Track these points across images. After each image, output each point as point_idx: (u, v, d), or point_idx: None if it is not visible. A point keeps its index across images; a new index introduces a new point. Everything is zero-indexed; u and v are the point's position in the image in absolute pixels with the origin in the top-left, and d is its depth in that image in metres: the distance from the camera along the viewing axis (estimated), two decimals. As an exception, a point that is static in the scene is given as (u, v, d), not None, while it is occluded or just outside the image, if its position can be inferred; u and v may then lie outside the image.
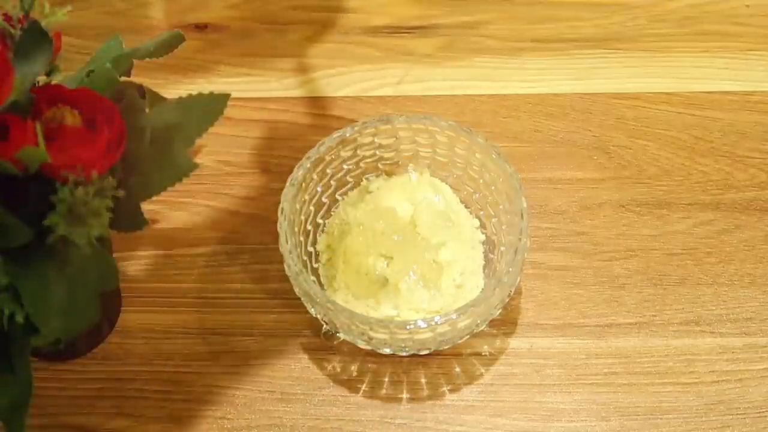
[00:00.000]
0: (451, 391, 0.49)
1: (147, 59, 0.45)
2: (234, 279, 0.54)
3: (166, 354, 0.51)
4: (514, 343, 0.51)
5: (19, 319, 0.36)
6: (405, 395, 0.49)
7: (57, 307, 0.37)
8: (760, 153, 0.59)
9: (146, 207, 0.41)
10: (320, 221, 0.53)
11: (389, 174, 0.55)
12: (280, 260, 0.47)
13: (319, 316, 0.47)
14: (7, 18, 0.40)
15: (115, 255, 0.53)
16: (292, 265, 0.46)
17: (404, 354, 0.49)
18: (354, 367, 0.50)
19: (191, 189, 0.58)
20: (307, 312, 0.48)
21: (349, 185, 0.54)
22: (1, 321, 0.37)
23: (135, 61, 0.45)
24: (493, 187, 0.51)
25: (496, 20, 0.68)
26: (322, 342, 0.51)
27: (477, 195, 0.53)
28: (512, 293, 0.47)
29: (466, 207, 0.54)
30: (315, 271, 0.52)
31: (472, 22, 0.68)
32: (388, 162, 0.55)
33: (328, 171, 0.52)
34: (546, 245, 0.55)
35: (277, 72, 0.65)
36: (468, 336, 0.48)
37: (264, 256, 0.54)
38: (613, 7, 0.69)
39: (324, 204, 0.53)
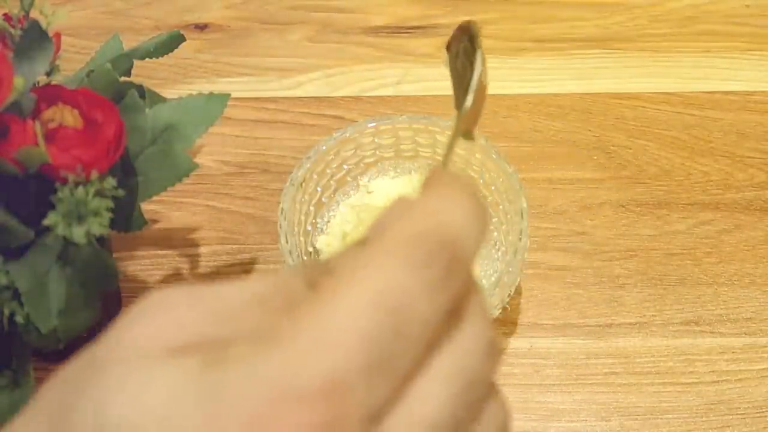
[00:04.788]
0: (451, 391, 0.49)
1: (147, 59, 0.45)
2: (234, 279, 0.54)
3: (166, 354, 0.51)
4: (514, 343, 0.51)
5: (19, 319, 0.36)
6: (405, 395, 0.49)
7: (57, 307, 0.37)
8: (760, 153, 0.59)
9: (146, 207, 0.41)
10: (320, 221, 0.53)
11: (389, 174, 0.55)
12: (280, 260, 0.47)
13: (319, 316, 0.47)
14: (7, 18, 0.40)
15: (115, 255, 0.53)
16: (292, 265, 0.46)
17: (404, 354, 0.49)
18: (354, 367, 0.50)
19: (191, 189, 0.57)
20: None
21: (349, 185, 0.54)
22: (1, 321, 0.37)
23: (135, 61, 0.45)
24: (493, 187, 0.51)
25: (496, 20, 0.68)
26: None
27: (477, 195, 0.53)
28: (512, 293, 0.47)
29: (466, 207, 0.54)
30: (315, 271, 0.52)
31: (472, 22, 0.68)
32: (388, 162, 0.55)
33: (328, 171, 0.52)
34: (546, 245, 0.55)
35: (277, 72, 0.65)
36: (468, 336, 0.47)
37: (264, 256, 0.54)
38: (613, 7, 0.69)
39: (324, 204, 0.53)
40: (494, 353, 0.19)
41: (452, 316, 0.18)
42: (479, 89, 0.23)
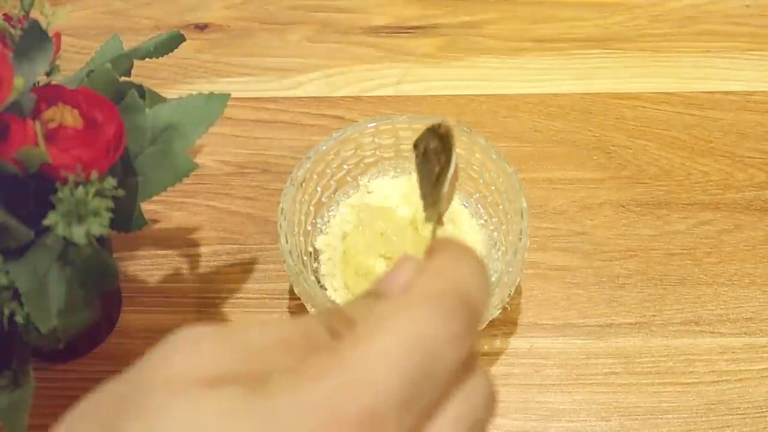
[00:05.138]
0: (451, 391, 0.49)
1: (147, 59, 0.45)
2: (234, 279, 0.54)
3: (166, 354, 0.51)
4: (514, 343, 0.51)
5: (19, 319, 0.36)
6: (405, 395, 0.49)
7: (57, 307, 0.37)
8: (760, 153, 0.59)
9: (146, 207, 0.41)
10: (320, 221, 0.53)
11: (389, 174, 0.55)
12: (280, 260, 0.47)
13: (319, 316, 0.47)
14: (7, 18, 0.40)
15: (115, 255, 0.53)
16: (292, 265, 0.46)
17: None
18: (354, 367, 0.50)
19: (191, 189, 0.58)
20: (307, 312, 0.48)
21: (349, 185, 0.54)
22: (1, 321, 0.37)
23: (135, 61, 0.45)
24: (493, 187, 0.51)
25: (496, 20, 0.68)
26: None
27: (477, 195, 0.53)
28: (512, 293, 0.47)
29: (465, 207, 0.54)
30: (315, 271, 0.52)
31: (472, 22, 0.68)
32: (388, 162, 0.55)
33: (328, 171, 0.52)
34: (546, 245, 0.55)
35: (277, 72, 0.65)
36: (468, 336, 0.47)
37: (264, 256, 0.54)
38: (613, 7, 0.69)
39: (324, 204, 0.53)
40: (494, 404, 0.22)
41: (465, 366, 0.21)
42: (452, 180, 0.26)
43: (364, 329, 0.19)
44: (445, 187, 0.26)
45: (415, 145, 0.28)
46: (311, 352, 0.20)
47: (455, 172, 0.26)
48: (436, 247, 0.23)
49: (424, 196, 0.27)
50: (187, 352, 0.19)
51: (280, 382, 0.18)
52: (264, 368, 0.19)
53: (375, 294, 0.23)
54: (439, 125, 0.26)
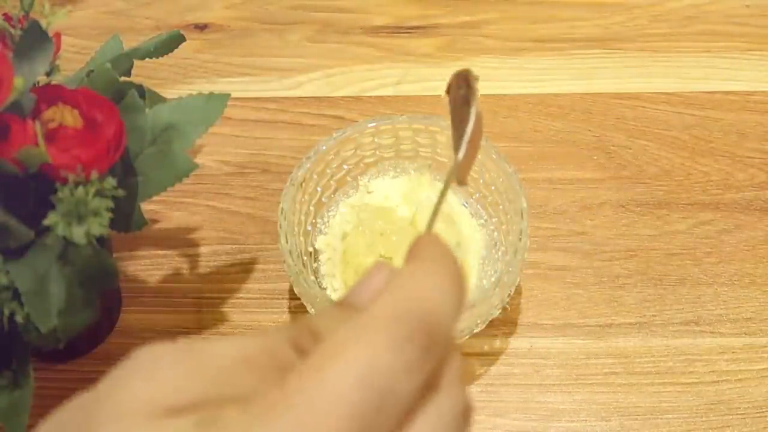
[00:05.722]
0: (451, 391, 0.49)
1: (147, 59, 0.45)
2: (234, 279, 0.54)
3: (166, 354, 0.51)
4: (514, 343, 0.51)
5: (19, 319, 0.36)
6: (405, 395, 0.49)
7: (57, 307, 0.37)
8: (760, 153, 0.59)
9: (146, 207, 0.41)
10: (320, 221, 0.53)
11: (389, 174, 0.55)
12: (280, 260, 0.47)
13: (319, 316, 0.47)
14: (7, 18, 0.40)
15: (115, 255, 0.53)
16: (292, 265, 0.46)
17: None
18: (354, 367, 0.50)
19: (191, 189, 0.58)
20: (307, 312, 0.48)
21: (349, 185, 0.54)
22: (1, 321, 0.37)
23: (135, 61, 0.45)
24: (493, 187, 0.51)
25: (496, 20, 0.68)
26: (322, 342, 0.51)
27: (477, 195, 0.53)
28: (512, 293, 0.47)
29: (465, 207, 0.54)
30: (315, 271, 0.52)
31: (472, 22, 0.68)
32: (388, 162, 0.55)
33: (328, 171, 0.52)
34: (546, 245, 0.55)
35: (277, 72, 0.65)
36: (468, 336, 0.48)
37: (264, 256, 0.54)
38: (613, 7, 0.69)
39: (324, 204, 0.53)
40: (466, 417, 0.21)
41: (429, 385, 0.20)
42: (473, 140, 0.24)
43: (319, 356, 0.19)
44: (462, 151, 0.24)
45: (447, 91, 0.26)
46: (274, 373, 0.19)
47: (477, 127, 0.24)
48: (415, 250, 0.23)
49: (456, 147, 0.25)
50: (145, 377, 0.19)
51: (231, 417, 0.18)
52: (222, 394, 0.18)
53: (344, 305, 0.22)
54: (468, 71, 0.25)
